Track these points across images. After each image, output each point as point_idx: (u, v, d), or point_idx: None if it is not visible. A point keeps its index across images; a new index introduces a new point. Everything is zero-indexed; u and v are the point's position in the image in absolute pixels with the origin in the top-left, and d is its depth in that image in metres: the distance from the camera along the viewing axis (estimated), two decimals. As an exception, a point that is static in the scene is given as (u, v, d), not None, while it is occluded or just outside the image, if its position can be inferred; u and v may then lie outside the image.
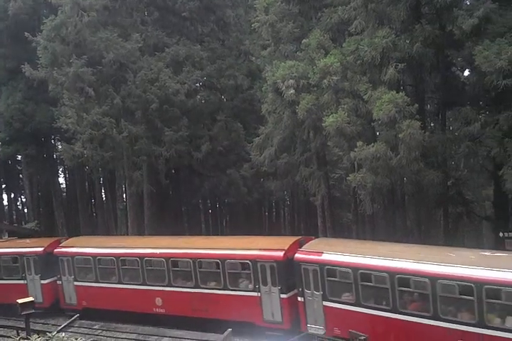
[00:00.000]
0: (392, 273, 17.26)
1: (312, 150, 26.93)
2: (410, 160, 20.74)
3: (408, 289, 17.05)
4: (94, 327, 24.16)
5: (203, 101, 33.75)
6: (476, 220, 28.03)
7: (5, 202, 51.60)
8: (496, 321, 15.22)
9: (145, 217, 33.96)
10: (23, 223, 46.18)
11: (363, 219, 28.23)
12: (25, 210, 49.99)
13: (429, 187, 22.52)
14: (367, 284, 17.95)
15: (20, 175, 48.07)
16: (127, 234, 34.03)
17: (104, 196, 45.18)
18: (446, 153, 22.49)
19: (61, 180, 48.35)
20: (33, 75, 31.10)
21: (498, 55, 18.93)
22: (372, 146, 21.32)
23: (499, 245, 20.90)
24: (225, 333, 18.49)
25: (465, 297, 15.58)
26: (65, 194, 48.45)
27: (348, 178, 22.96)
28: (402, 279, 17.05)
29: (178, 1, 32.42)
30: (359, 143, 21.69)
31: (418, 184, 22.58)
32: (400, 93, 21.21)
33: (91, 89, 29.40)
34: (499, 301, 15.10)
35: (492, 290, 15.10)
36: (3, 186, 50.65)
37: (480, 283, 15.20)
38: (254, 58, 32.07)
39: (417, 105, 21.29)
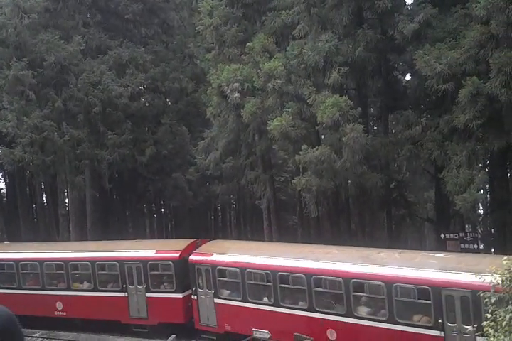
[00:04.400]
0: (273, 271, 18.27)
1: (257, 153, 26.45)
2: (354, 163, 20.59)
3: (287, 285, 18.08)
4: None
5: (147, 105, 32.94)
6: (419, 222, 28.16)
7: None
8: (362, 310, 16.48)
9: (88, 223, 32.74)
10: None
11: (308, 222, 27.87)
12: (-37, 216, 47.47)
13: (372, 190, 22.38)
14: (252, 282, 18.95)
15: (-42, 181, 45.71)
16: (69, 240, 32.66)
17: (45, 201, 43.44)
18: (388, 156, 22.43)
19: (1, 184, 46.16)
20: None
21: (439, 60, 18.96)
22: (317, 149, 21.12)
23: (441, 246, 20.90)
24: (170, 338, 17.79)
25: (336, 291, 16.96)
26: (5, 199, 46.28)
27: (293, 181, 22.62)
28: (282, 276, 18.08)
29: (120, 3, 31.48)
30: (304, 147, 21.41)
31: (362, 187, 22.41)
32: (344, 97, 21.07)
33: (32, 92, 28.35)
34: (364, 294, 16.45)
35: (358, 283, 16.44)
36: None
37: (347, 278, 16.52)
38: (198, 61, 31.38)
39: (360, 109, 21.17)
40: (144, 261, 21.55)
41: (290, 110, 22.23)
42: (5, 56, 28.43)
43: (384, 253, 17.23)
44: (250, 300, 18.95)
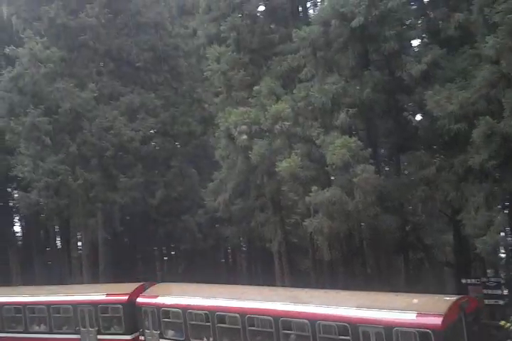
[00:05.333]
0: (211, 311, 18.44)
1: (267, 195, 24.86)
2: (366, 205, 18.95)
3: (224, 325, 18.18)
4: None
5: (157, 148, 31.80)
6: (438, 266, 25.97)
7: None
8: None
9: (100, 265, 31.18)
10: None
11: (321, 265, 25.84)
12: (-20, 259, 45.88)
13: (387, 233, 20.60)
14: (193, 323, 19.11)
15: (-25, 224, 44.25)
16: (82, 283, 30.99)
17: (59, 244, 41.91)
18: (402, 198, 20.65)
19: (17, 228, 44.68)
20: None
21: (449, 100, 17.57)
22: (327, 191, 19.55)
23: (463, 292, 18.76)
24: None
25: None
26: (20, 242, 44.75)
27: (304, 223, 20.89)
28: (219, 316, 18.29)
29: (132, 52, 30.79)
30: (314, 188, 19.83)
31: (376, 229, 20.62)
32: (353, 137, 19.68)
33: (47, 138, 27.53)
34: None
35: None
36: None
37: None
38: (206, 105, 30.41)
39: (370, 149, 19.71)
40: (95, 305, 21.95)
41: (299, 151, 20.90)
42: (22, 104, 27.80)
43: (309, 293, 18.14)
44: (191, 340, 19.06)
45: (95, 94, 28.95)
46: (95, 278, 30.21)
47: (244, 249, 39.58)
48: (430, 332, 14.24)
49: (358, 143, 19.12)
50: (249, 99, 23.04)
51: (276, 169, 20.78)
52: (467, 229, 16.94)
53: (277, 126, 21.02)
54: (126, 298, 21.41)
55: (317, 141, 20.34)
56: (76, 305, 22.31)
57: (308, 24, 21.25)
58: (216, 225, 32.30)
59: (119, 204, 29.26)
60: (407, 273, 23.17)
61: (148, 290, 21.47)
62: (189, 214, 31.29)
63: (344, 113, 19.72)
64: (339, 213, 19.34)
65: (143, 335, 20.75)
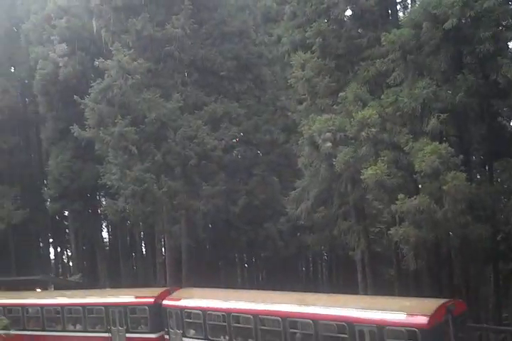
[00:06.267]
0: (227, 312, 20.16)
1: (350, 203, 24.29)
2: (456, 214, 18.11)
3: (239, 325, 20.01)
4: None
5: (239, 157, 32.13)
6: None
7: (52, 256, 50.22)
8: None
9: (183, 270, 31.69)
10: (67, 276, 44.17)
11: (406, 275, 24.99)
12: (71, 263, 48.16)
13: (477, 242, 19.57)
14: (211, 323, 20.85)
15: (67, 230, 46.53)
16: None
17: (144, 249, 43.13)
18: (495, 206, 19.59)
19: (105, 234, 46.58)
20: (81, 135, 30.46)
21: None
22: (415, 199, 18.81)
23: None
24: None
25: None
26: (108, 248, 46.51)
27: (389, 232, 20.25)
28: (235, 316, 20.05)
29: (216, 61, 31.26)
30: (400, 196, 19.14)
31: (465, 238, 19.65)
32: (444, 144, 18.89)
33: (134, 147, 28.49)
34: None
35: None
36: (51, 240, 49.22)
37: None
38: (290, 113, 30.18)
39: (462, 156, 18.82)
40: (124, 306, 23.97)
41: (385, 158, 20.16)
42: (111, 114, 28.81)
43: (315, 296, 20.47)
44: (210, 338, 20.73)
45: (180, 104, 29.57)
46: (178, 283, 30.70)
47: (325, 257, 39.02)
48: (417, 330, 15.63)
49: (448, 150, 18.32)
50: (334, 106, 22.63)
51: (362, 177, 20.21)
52: None
53: (363, 133, 20.36)
54: (152, 300, 23.37)
55: (405, 148, 19.62)
56: (108, 306, 24.41)
57: (398, 27, 20.60)
58: (298, 233, 32.08)
59: (202, 211, 29.75)
60: (497, 284, 21.87)
61: (173, 294, 23.34)
62: (271, 221, 31.31)
63: (435, 118, 18.96)
64: (427, 222, 18.63)
65: (167, 334, 22.77)
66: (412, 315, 16.14)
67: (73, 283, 36.04)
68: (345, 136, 21.57)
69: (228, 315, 20.19)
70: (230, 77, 31.56)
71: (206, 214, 30.47)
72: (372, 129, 20.36)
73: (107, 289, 29.65)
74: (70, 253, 49.42)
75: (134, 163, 28.78)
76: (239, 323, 20.17)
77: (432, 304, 16.88)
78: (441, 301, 17.09)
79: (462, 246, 20.62)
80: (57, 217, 45.92)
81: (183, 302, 22.40)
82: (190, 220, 30.99)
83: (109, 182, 29.19)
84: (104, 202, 38.73)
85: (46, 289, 32.30)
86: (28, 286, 32.25)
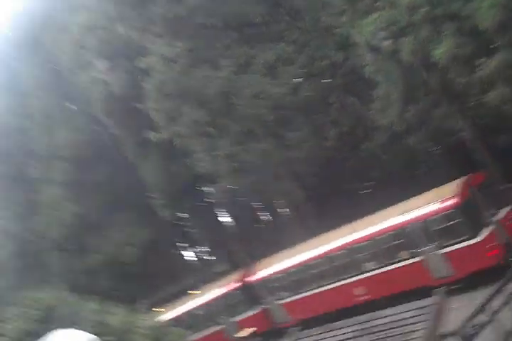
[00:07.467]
0: None
1: (436, 90, 23.68)
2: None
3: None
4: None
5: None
6: None
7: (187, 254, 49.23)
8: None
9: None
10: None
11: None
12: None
13: None
14: None
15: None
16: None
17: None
18: None
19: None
20: (158, 138, 31.10)
21: None
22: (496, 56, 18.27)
23: None
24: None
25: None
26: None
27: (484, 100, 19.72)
28: None
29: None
30: (481, 60, 18.80)
31: None
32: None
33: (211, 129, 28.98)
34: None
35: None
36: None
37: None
38: (336, 29, 28.80)
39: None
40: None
41: (449, 32, 19.48)
42: (175, 107, 29.26)
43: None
44: None
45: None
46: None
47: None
48: (453, 210, 18.68)
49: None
50: (377, 3, 21.94)
51: (435, 58, 19.66)
52: None
53: (415, 16, 19.81)
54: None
55: (463, 14, 18.83)
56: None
57: None
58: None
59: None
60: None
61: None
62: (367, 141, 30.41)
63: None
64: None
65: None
66: (443, 201, 19.11)
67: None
68: (400, 27, 21.06)
69: None
70: (265, 21, 30.65)
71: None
72: (422, 9, 19.73)
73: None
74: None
75: (216, 141, 29.11)
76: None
77: (453, 186, 19.70)
78: (459, 180, 19.85)
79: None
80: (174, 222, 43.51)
81: None
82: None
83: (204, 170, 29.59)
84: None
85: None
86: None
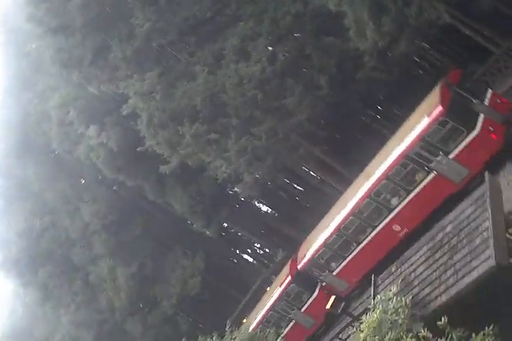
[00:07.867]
0: None
1: None
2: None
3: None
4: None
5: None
6: None
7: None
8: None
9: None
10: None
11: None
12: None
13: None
14: None
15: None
16: None
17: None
18: None
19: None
20: (170, 169, 31.29)
21: None
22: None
23: None
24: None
25: None
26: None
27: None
28: None
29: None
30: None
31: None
32: None
33: (216, 135, 29.16)
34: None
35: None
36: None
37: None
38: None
39: None
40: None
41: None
42: (173, 132, 29.59)
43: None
44: None
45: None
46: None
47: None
48: (442, 119, 18.03)
49: None
50: None
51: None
52: None
53: None
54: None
55: None
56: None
57: None
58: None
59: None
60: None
61: None
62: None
63: None
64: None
65: None
66: (429, 114, 18.39)
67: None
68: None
69: None
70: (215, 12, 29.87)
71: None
72: None
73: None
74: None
75: (223, 143, 28.66)
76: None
77: (435, 94, 18.92)
78: (438, 85, 19.10)
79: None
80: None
81: None
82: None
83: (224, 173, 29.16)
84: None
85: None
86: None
